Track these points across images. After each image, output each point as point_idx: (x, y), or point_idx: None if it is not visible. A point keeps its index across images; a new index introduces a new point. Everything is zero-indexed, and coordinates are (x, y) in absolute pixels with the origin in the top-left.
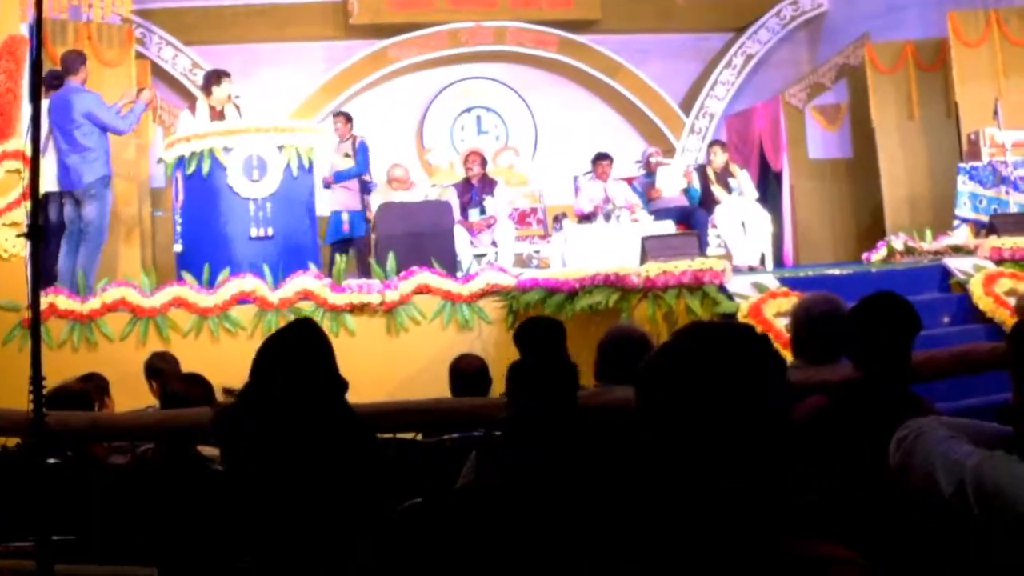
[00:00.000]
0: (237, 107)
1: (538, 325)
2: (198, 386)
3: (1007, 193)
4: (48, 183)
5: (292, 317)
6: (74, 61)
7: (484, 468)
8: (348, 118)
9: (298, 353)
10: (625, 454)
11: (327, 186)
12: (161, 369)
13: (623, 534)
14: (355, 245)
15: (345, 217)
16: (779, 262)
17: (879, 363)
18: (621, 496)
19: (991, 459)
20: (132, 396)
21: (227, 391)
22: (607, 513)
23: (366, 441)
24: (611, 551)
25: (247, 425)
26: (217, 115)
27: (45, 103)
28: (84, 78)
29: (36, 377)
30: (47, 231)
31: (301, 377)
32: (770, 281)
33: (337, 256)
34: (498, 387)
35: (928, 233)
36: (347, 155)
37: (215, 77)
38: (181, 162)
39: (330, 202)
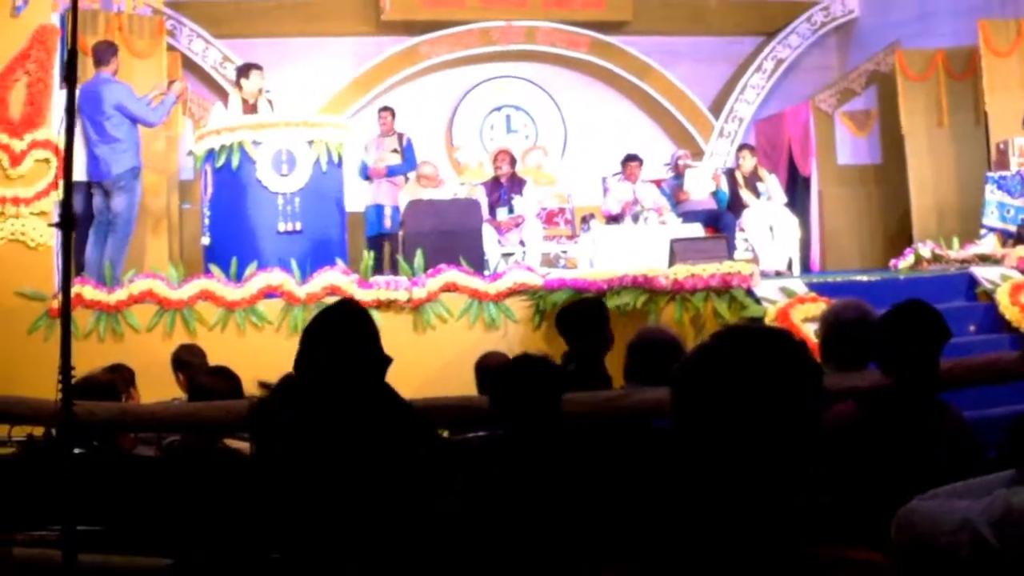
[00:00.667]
0: (270, 101)
1: (578, 310)
2: (225, 379)
3: None
4: (77, 173)
5: None
6: (105, 52)
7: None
8: (394, 113)
9: (342, 332)
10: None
11: (367, 178)
12: (188, 362)
13: (645, 534)
14: (390, 240)
15: (387, 212)
16: (806, 267)
17: (909, 371)
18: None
19: (1003, 497)
20: (157, 388)
21: (262, 384)
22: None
23: (412, 425)
24: (634, 551)
25: (284, 416)
26: (250, 108)
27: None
28: (115, 69)
29: (65, 367)
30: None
31: (345, 355)
32: (798, 286)
33: (365, 252)
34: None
35: (955, 241)
36: (395, 150)
37: (245, 70)
38: (211, 155)
39: (372, 195)
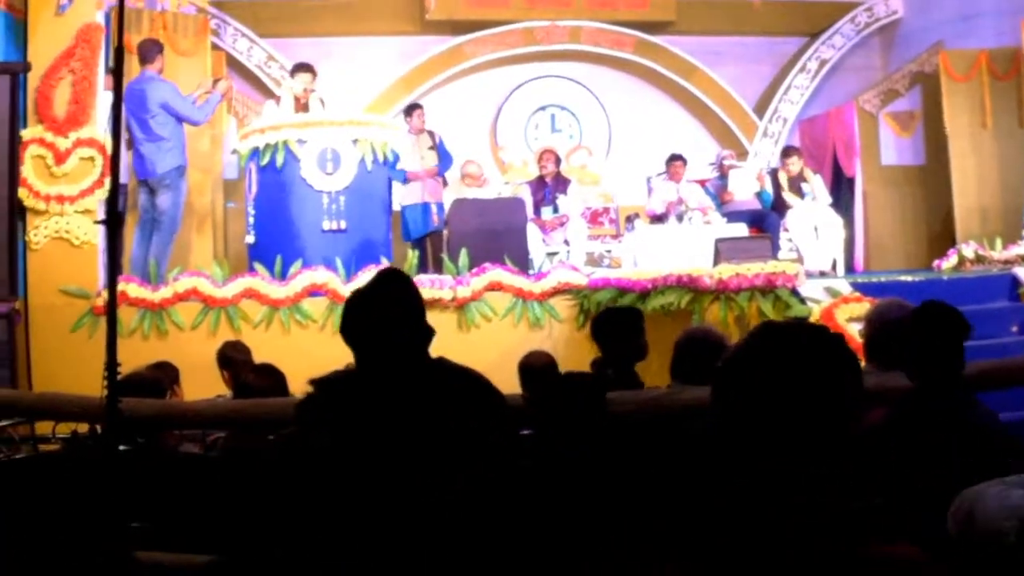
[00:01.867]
0: (322, 100)
1: (613, 318)
2: (270, 377)
3: None
4: (122, 172)
5: None
6: (150, 50)
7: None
8: (423, 111)
9: (384, 302)
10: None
11: (405, 181)
12: (233, 358)
13: (689, 534)
14: (434, 239)
15: (432, 210)
16: (850, 268)
17: (933, 371)
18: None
19: None
20: (202, 385)
21: (312, 382)
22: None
23: (475, 402)
24: (682, 550)
25: (332, 406)
26: (301, 107)
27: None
28: (160, 67)
29: (111, 364)
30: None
31: (389, 327)
32: (843, 286)
33: (410, 251)
34: None
35: (998, 242)
36: (431, 147)
37: (292, 69)
38: (255, 153)
39: (416, 194)
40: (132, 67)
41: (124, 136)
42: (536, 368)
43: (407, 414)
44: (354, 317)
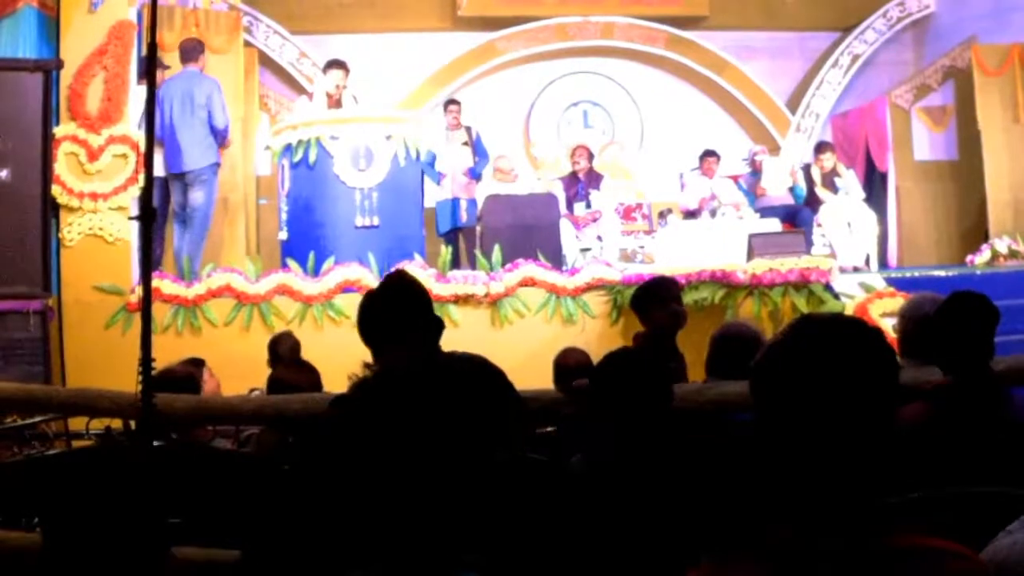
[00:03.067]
0: (355, 97)
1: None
2: (304, 373)
3: None
4: (156, 167)
5: None
6: (193, 49)
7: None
8: (460, 107)
9: (390, 309)
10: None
11: (439, 181)
12: (276, 353)
13: (733, 527)
14: (467, 235)
15: (464, 206)
16: (883, 263)
17: (967, 359)
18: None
19: None
20: (235, 381)
21: (351, 378)
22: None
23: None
24: (719, 543)
25: (353, 410)
26: (334, 103)
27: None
28: (203, 66)
29: (146, 360)
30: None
31: (400, 330)
32: (877, 281)
33: (443, 247)
34: None
35: None
36: (465, 143)
37: (325, 66)
38: (288, 149)
39: (448, 190)
40: (172, 64)
41: (160, 131)
42: (571, 366)
43: (420, 408)
44: (362, 321)
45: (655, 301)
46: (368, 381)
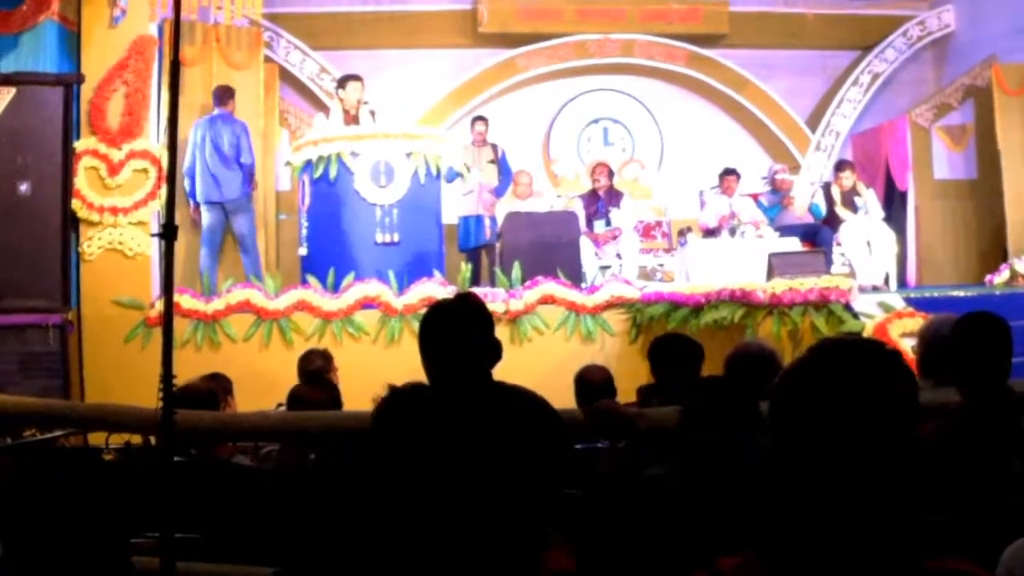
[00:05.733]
0: (372, 112)
1: (674, 344)
2: (323, 389)
3: None
4: (199, 194)
5: (416, 324)
6: (224, 93)
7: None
8: (487, 123)
9: (450, 329)
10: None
11: (451, 179)
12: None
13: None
14: (487, 252)
15: (485, 223)
16: (902, 282)
17: (982, 379)
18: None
19: None
20: (255, 398)
21: (390, 389)
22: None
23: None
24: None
25: (399, 417)
26: (351, 119)
27: (198, 119)
28: (233, 109)
29: (167, 376)
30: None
31: (453, 348)
32: (896, 301)
33: (462, 264)
34: (623, 398)
35: None
36: (491, 161)
37: (343, 81)
38: (308, 166)
39: (469, 207)
40: (185, 82)
41: (198, 160)
42: (596, 383)
43: (475, 432)
44: (427, 335)
45: (678, 361)
46: (418, 392)
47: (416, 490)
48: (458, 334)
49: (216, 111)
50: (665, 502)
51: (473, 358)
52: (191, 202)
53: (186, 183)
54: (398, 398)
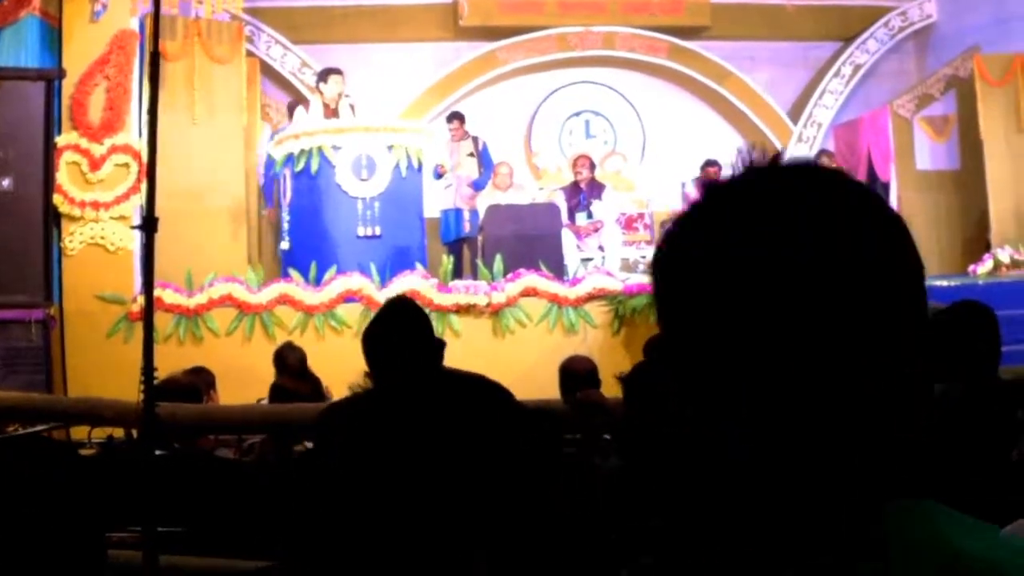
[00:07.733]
0: (352, 106)
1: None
2: (306, 382)
3: None
4: None
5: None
6: None
7: None
8: (463, 119)
9: (394, 333)
10: None
11: (438, 176)
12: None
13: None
14: (469, 245)
15: (466, 216)
16: None
17: (972, 369)
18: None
19: None
20: (237, 391)
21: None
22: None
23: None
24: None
25: (348, 416)
26: (331, 113)
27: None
28: None
29: (148, 369)
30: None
31: (402, 356)
32: None
33: (444, 257)
34: (606, 390)
35: None
36: (471, 154)
37: (323, 74)
38: (290, 159)
39: (450, 200)
40: (166, 73)
41: None
42: (580, 374)
43: (420, 425)
44: (369, 349)
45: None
46: (366, 392)
47: (365, 486)
48: (401, 334)
49: None
50: (609, 495)
51: (419, 353)
52: None
53: None
54: (336, 409)
